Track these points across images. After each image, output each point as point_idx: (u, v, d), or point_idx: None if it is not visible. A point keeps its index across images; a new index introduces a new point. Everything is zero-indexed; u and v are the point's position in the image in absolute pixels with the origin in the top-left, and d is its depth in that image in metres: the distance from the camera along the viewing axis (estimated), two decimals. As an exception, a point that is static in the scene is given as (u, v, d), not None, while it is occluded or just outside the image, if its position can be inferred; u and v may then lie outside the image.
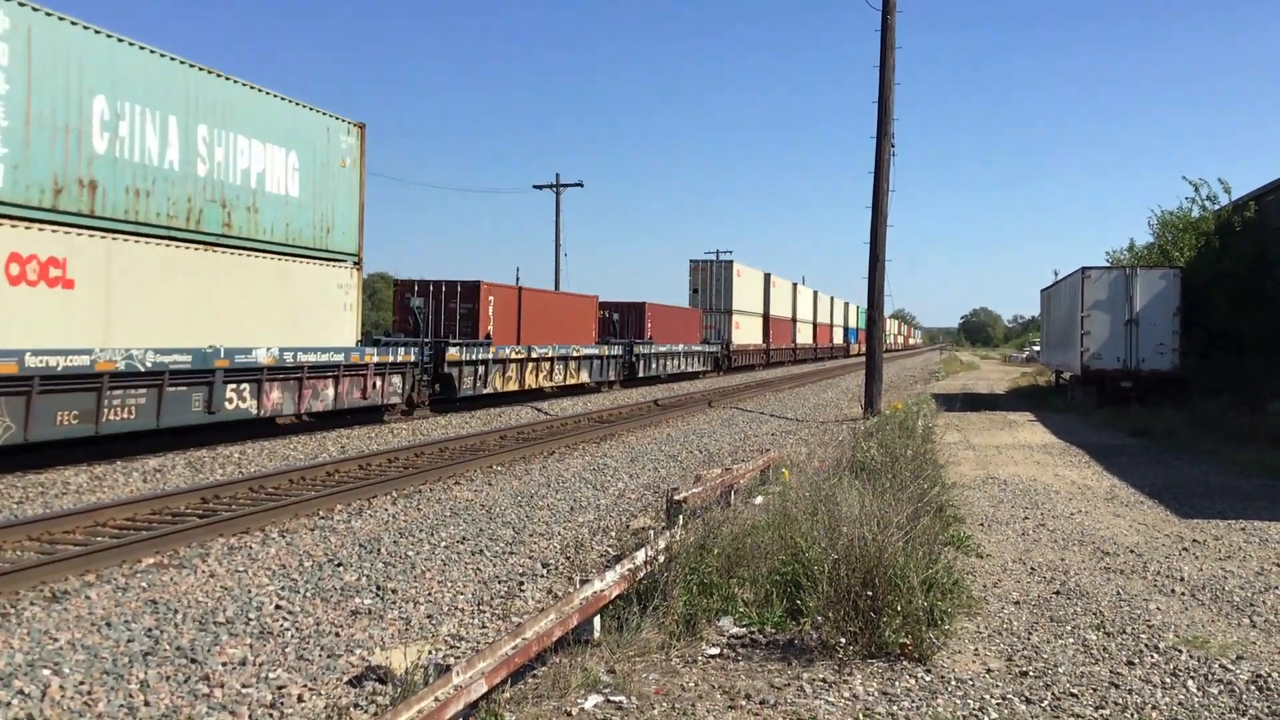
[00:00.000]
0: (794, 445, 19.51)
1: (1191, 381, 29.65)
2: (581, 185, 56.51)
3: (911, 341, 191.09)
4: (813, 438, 21.43)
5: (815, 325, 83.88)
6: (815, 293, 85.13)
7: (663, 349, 43.72)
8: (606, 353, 37.63)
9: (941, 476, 13.18)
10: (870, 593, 7.06)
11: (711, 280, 56.57)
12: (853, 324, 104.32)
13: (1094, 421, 26.86)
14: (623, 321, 42.76)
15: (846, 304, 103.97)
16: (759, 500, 11.23)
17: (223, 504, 12.56)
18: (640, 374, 40.80)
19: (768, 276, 65.24)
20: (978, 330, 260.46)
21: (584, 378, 35.75)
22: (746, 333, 59.71)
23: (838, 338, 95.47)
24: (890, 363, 77.09)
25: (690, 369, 48.38)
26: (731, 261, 57.00)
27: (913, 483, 10.44)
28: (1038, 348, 66.32)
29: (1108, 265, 38.11)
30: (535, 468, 16.70)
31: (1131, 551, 10.89)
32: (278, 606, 8.43)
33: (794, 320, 74.66)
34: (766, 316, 64.94)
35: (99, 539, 10.52)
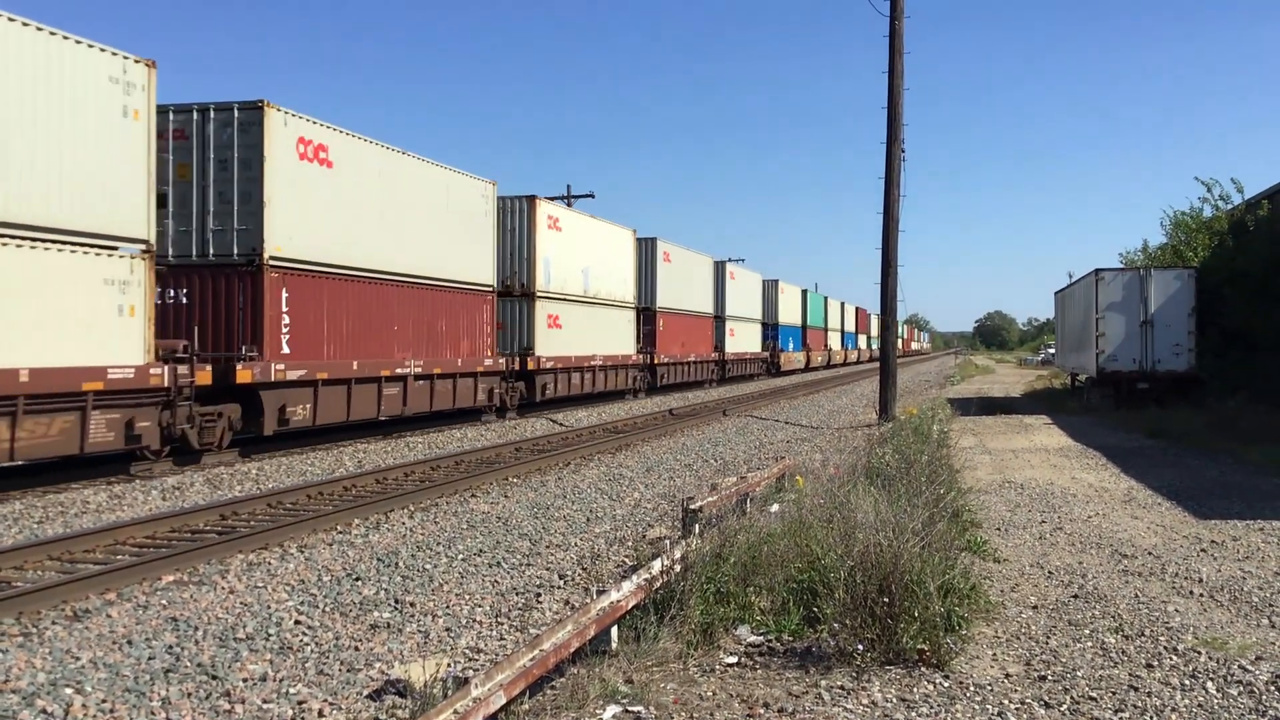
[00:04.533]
0: (809, 452, 19.51)
1: (1208, 381, 29.53)
2: (593, 196, 54.39)
3: (915, 346, 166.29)
4: (828, 444, 21.42)
5: (723, 322, 50.04)
6: (720, 265, 50.25)
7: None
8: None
9: (957, 481, 13.15)
10: (887, 599, 7.07)
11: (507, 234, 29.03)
12: (791, 320, 65.05)
13: (1110, 423, 26.76)
14: None
15: (802, 291, 68.70)
16: (774, 508, 11.23)
17: (241, 520, 12.62)
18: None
19: (652, 244, 40.40)
20: (992, 334, 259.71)
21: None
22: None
23: (743, 341, 53.97)
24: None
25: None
26: (534, 199, 29.52)
27: (928, 488, 10.43)
28: (1053, 350, 66.09)
29: (1121, 266, 38.01)
30: (551, 478, 16.72)
31: (1149, 553, 10.86)
32: (297, 622, 8.48)
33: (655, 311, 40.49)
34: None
35: (119, 557, 10.59)
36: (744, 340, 54.58)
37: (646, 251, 40.32)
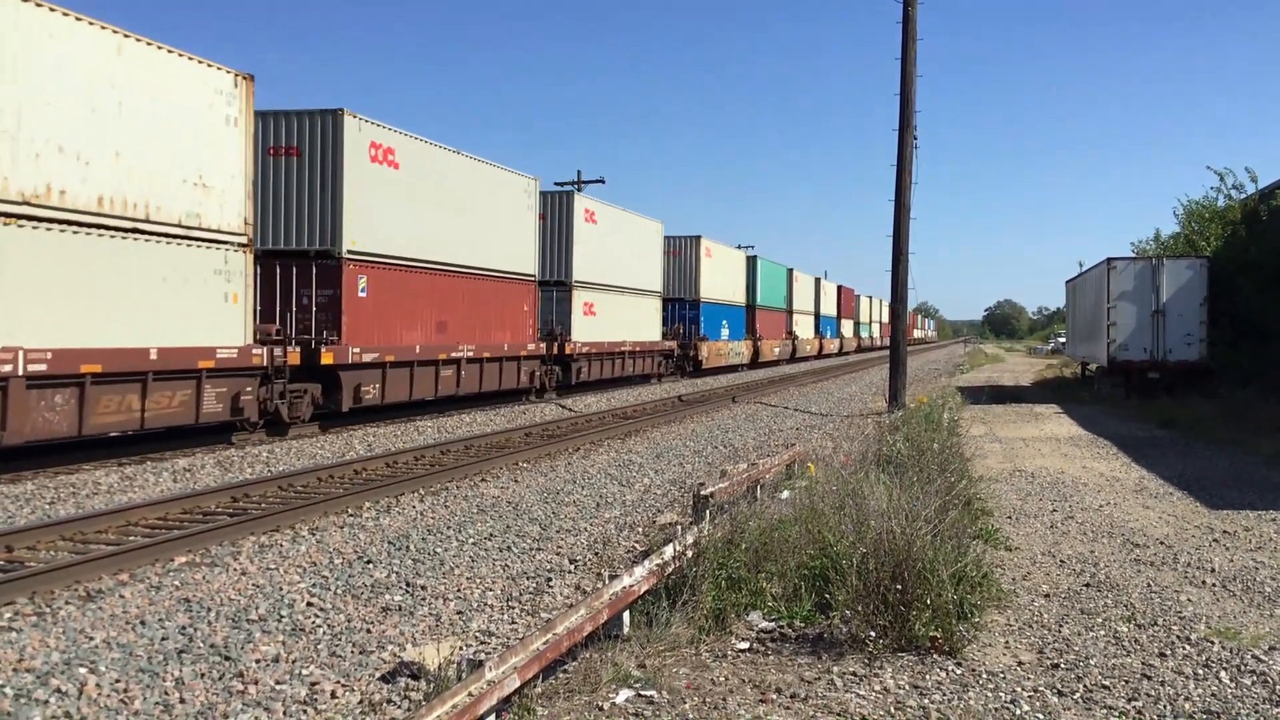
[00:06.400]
0: (819, 439, 19.49)
1: (1219, 372, 29.44)
2: (603, 181, 52.98)
3: (919, 334, 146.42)
4: (837, 432, 21.40)
5: (565, 291, 30.94)
6: (562, 198, 31.74)
7: None
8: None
9: (968, 470, 13.12)
10: (899, 586, 7.07)
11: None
12: (725, 296, 45.96)
13: (1121, 413, 26.69)
14: None
15: (748, 258, 50.69)
16: (785, 495, 11.23)
17: (252, 502, 12.65)
18: None
19: (334, 120, 19.50)
20: (1002, 323, 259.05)
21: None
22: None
23: (617, 325, 34.15)
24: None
25: None
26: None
27: (940, 476, 10.42)
28: (1063, 340, 65.76)
29: (1133, 256, 37.87)
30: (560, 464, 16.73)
31: (1161, 543, 10.83)
32: (309, 604, 8.50)
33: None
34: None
35: (131, 538, 10.62)
36: (619, 323, 34.55)
37: (324, 141, 19.97)
